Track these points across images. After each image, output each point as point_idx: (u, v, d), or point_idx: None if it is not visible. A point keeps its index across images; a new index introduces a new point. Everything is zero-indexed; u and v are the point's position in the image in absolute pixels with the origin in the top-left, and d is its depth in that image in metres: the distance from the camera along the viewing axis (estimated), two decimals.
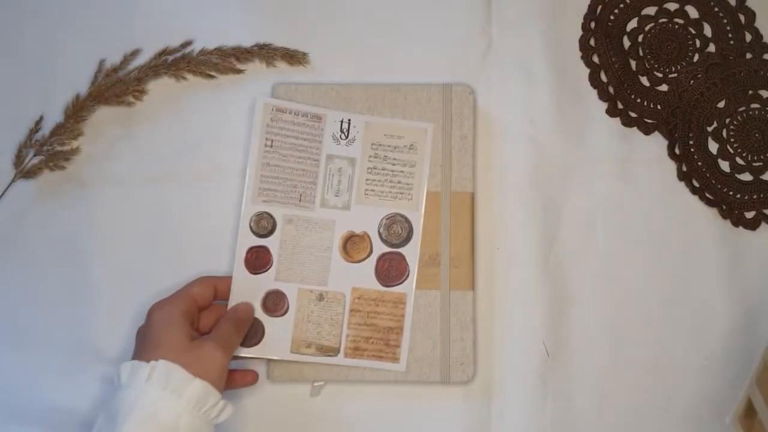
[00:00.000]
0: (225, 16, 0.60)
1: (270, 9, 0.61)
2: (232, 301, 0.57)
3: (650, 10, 0.60)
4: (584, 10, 0.60)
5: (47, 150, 0.58)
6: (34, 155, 0.58)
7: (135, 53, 0.59)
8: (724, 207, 0.58)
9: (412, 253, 0.57)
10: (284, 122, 0.58)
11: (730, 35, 0.59)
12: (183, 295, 0.54)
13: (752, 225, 0.58)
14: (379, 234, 0.57)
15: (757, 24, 0.60)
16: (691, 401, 0.56)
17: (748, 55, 0.59)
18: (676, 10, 0.60)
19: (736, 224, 0.58)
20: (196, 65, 0.59)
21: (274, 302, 0.57)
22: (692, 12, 0.60)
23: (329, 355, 0.57)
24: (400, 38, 0.60)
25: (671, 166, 0.58)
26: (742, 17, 0.60)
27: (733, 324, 0.57)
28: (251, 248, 0.57)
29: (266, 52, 0.59)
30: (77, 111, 0.58)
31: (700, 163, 0.58)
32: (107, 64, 0.58)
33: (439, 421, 0.56)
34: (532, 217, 0.58)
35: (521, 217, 0.58)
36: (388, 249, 0.57)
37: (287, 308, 0.57)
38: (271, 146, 0.57)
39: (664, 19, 0.60)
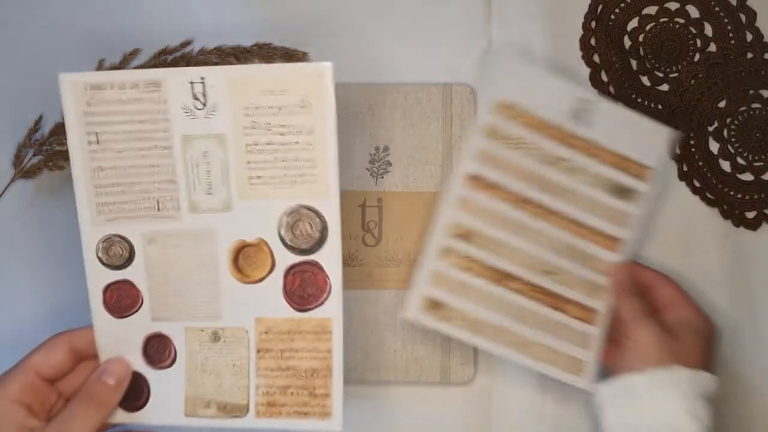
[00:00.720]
0: (224, 16, 0.60)
1: (270, 8, 0.61)
2: (103, 358, 0.45)
3: (651, 10, 0.60)
4: (585, 9, 0.60)
5: (46, 150, 0.58)
6: (34, 155, 0.58)
7: (134, 53, 0.59)
8: (725, 207, 0.58)
9: (331, 257, 0.43)
10: (108, 103, 0.43)
11: (730, 35, 0.59)
12: (19, 371, 0.43)
13: (753, 225, 0.58)
14: (281, 238, 0.44)
15: (758, 23, 0.59)
16: None
17: (749, 55, 0.59)
18: (676, 10, 0.60)
19: (737, 224, 0.58)
20: (196, 65, 0.59)
21: (157, 350, 0.45)
22: (693, 11, 0.60)
23: (235, 416, 0.44)
24: (400, 38, 0.60)
25: (672, 166, 0.58)
26: (742, 17, 0.60)
27: (733, 324, 0.57)
28: (108, 285, 0.45)
29: (266, 52, 0.59)
30: None
31: (700, 163, 0.58)
32: (107, 63, 0.58)
33: (439, 421, 0.56)
34: None
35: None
36: (296, 258, 0.44)
37: (174, 356, 0.45)
38: (98, 142, 0.43)
39: (664, 19, 0.60)
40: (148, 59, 0.59)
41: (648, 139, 0.55)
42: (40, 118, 0.59)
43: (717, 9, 0.60)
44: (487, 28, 0.60)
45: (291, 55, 0.59)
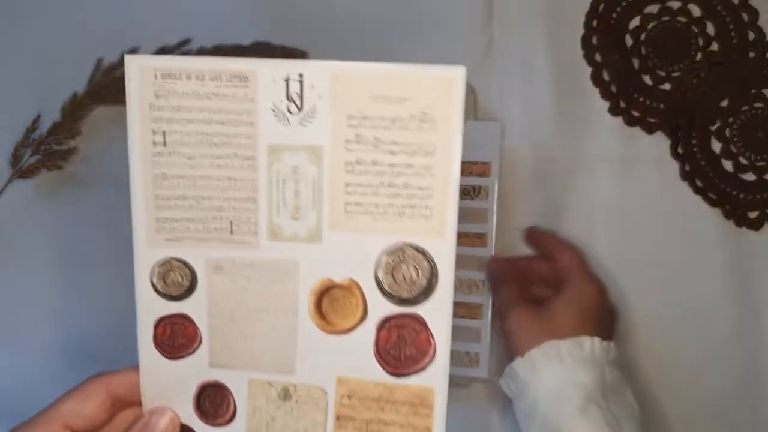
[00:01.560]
0: (223, 15, 0.60)
1: (269, 7, 0.60)
2: (147, 405, 0.38)
3: (653, 8, 0.60)
4: (586, 8, 0.60)
5: (44, 149, 0.57)
6: (32, 155, 0.58)
7: (132, 51, 0.59)
8: (728, 207, 0.57)
9: (438, 313, 0.35)
10: (181, 96, 0.35)
11: (732, 34, 0.59)
12: (45, 422, 0.37)
13: (756, 225, 0.57)
14: (378, 282, 0.36)
15: (760, 22, 0.59)
16: (692, 402, 0.56)
17: (751, 54, 0.59)
18: (678, 9, 0.59)
19: (739, 224, 0.57)
20: None
21: (213, 402, 0.37)
22: (695, 10, 0.59)
23: None
24: (400, 37, 0.60)
25: (674, 166, 0.58)
26: (745, 15, 0.59)
27: (736, 324, 0.56)
28: (161, 319, 0.37)
29: (265, 51, 0.59)
30: (75, 110, 0.58)
31: (703, 163, 0.58)
32: (105, 62, 0.58)
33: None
34: (533, 216, 0.58)
35: (522, 217, 0.58)
36: (395, 309, 0.36)
37: (233, 412, 0.37)
38: (164, 143, 0.36)
39: (666, 18, 0.59)
40: None
41: (481, 138, 0.56)
42: (38, 117, 0.58)
43: (719, 8, 0.59)
44: (489, 27, 0.60)
45: (290, 54, 0.59)
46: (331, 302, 0.36)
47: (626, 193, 0.58)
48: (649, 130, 0.59)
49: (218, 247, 0.36)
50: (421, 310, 0.35)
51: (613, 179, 0.58)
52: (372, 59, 0.59)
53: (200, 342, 0.37)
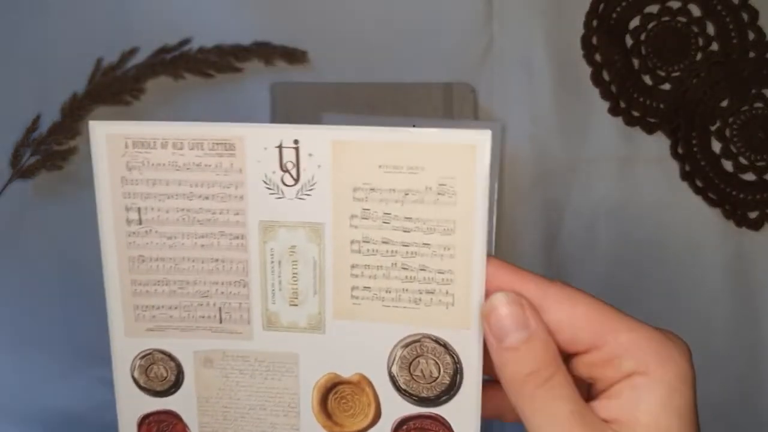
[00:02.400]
0: (223, 14, 0.60)
1: (269, 7, 0.60)
2: None
3: (653, 8, 0.60)
4: (586, 8, 0.60)
5: (44, 149, 0.57)
6: (31, 155, 0.58)
7: (132, 52, 0.59)
8: (728, 207, 0.57)
9: (465, 415, 0.31)
10: (157, 168, 0.31)
11: (733, 34, 0.59)
12: None
13: (756, 225, 0.57)
14: (392, 378, 0.31)
15: (760, 23, 0.59)
16: None
17: (751, 54, 0.59)
18: (678, 9, 0.59)
19: (739, 224, 0.57)
20: (195, 64, 0.58)
21: None
22: (695, 10, 0.59)
23: None
24: (401, 36, 0.60)
25: (674, 166, 0.58)
26: (745, 16, 0.59)
27: (736, 324, 0.56)
28: (146, 417, 0.34)
29: (265, 51, 0.59)
30: (74, 110, 0.58)
31: (703, 163, 0.58)
32: (105, 62, 0.58)
33: None
34: (533, 216, 0.58)
35: (522, 217, 0.58)
36: (413, 409, 0.32)
37: None
38: (140, 221, 0.31)
39: (666, 18, 0.59)
40: (146, 58, 0.59)
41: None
42: (38, 117, 0.58)
43: (719, 8, 0.59)
44: (488, 26, 0.60)
45: (290, 54, 0.59)
46: (338, 400, 0.32)
47: (626, 194, 0.58)
48: (649, 130, 0.59)
49: (206, 337, 0.32)
50: (443, 410, 0.31)
51: (613, 179, 0.58)
52: (372, 58, 0.59)
53: None
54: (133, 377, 0.33)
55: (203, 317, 0.32)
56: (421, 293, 0.30)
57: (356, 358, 0.31)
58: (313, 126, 0.30)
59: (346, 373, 0.32)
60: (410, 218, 0.30)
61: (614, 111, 0.59)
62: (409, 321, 0.31)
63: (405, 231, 0.30)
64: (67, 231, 0.58)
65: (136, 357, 0.33)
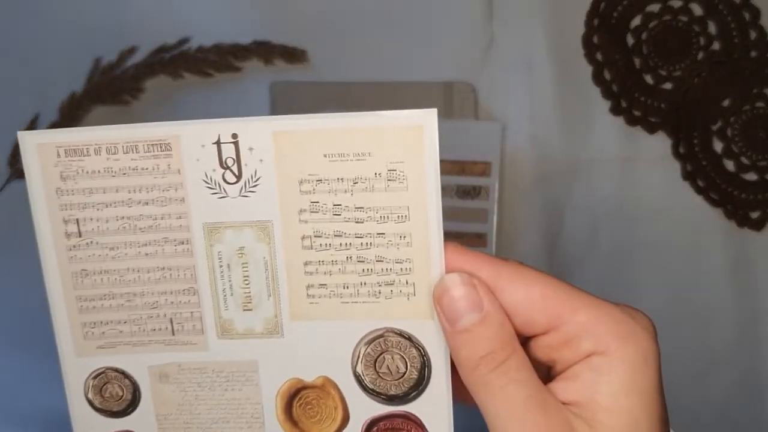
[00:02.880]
0: (222, 13, 0.60)
1: (268, 6, 0.60)
2: None
3: (654, 7, 0.59)
4: (587, 7, 0.59)
5: None
6: None
7: (131, 51, 0.58)
8: (729, 207, 0.57)
9: (436, 409, 0.30)
10: (92, 175, 0.29)
11: (734, 33, 0.59)
12: None
13: (757, 225, 0.57)
14: (358, 378, 0.30)
15: (762, 22, 0.59)
16: (694, 403, 0.56)
17: (753, 53, 0.59)
18: (680, 8, 0.59)
19: (741, 224, 0.57)
20: (194, 63, 0.58)
21: None
22: (696, 9, 0.59)
23: None
24: (401, 36, 0.60)
25: (675, 166, 0.58)
26: (746, 15, 0.59)
27: (737, 325, 0.56)
28: None
29: (264, 50, 0.59)
30: (73, 110, 0.58)
31: (704, 163, 0.58)
32: (103, 62, 0.57)
33: None
34: (534, 217, 0.58)
35: (523, 217, 0.57)
36: (382, 408, 0.30)
37: None
38: (79, 234, 0.30)
39: (668, 17, 0.59)
40: (144, 57, 0.58)
41: (481, 138, 0.57)
42: (36, 117, 0.58)
43: (720, 7, 0.59)
44: (489, 26, 0.59)
45: (290, 53, 0.59)
46: (303, 406, 0.30)
47: (627, 193, 0.57)
48: (651, 129, 0.58)
49: (160, 351, 0.30)
50: (414, 407, 0.30)
51: (614, 179, 0.58)
52: (372, 57, 0.59)
53: None
54: (87, 399, 0.31)
55: (154, 330, 0.31)
56: (380, 285, 0.29)
57: (318, 361, 0.30)
58: (252, 118, 0.28)
59: (309, 377, 0.30)
60: (361, 208, 0.28)
61: (615, 110, 0.59)
62: (370, 316, 0.29)
63: (357, 222, 0.29)
64: None
65: (88, 377, 0.31)
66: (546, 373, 0.29)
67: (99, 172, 0.29)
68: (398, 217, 0.29)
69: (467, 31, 0.59)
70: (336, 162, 0.28)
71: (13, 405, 0.57)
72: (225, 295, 0.30)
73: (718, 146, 0.58)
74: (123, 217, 0.29)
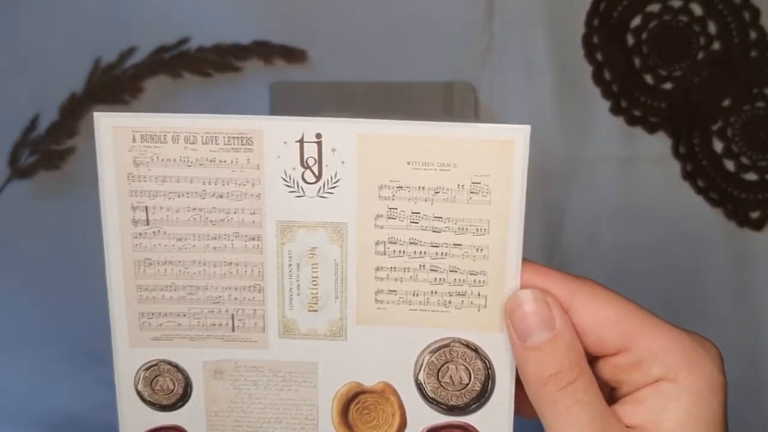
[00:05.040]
0: (222, 13, 0.60)
1: (268, 6, 0.60)
2: None
3: (654, 7, 0.59)
4: (587, 7, 0.59)
5: (43, 149, 0.57)
6: (30, 155, 0.58)
7: (131, 51, 0.58)
8: (729, 207, 0.57)
9: (497, 423, 0.30)
10: (167, 163, 0.28)
11: (734, 33, 0.59)
12: None
13: (757, 225, 0.57)
14: (419, 386, 0.30)
15: (762, 22, 0.59)
16: None
17: (753, 53, 0.59)
18: (680, 8, 0.59)
19: (741, 224, 0.57)
20: (193, 63, 0.58)
21: None
22: (696, 9, 0.59)
23: None
24: (401, 35, 0.60)
25: (675, 166, 0.58)
26: (746, 15, 0.59)
27: (738, 324, 0.56)
28: None
29: (264, 50, 0.58)
30: (73, 110, 0.58)
31: (704, 163, 0.58)
32: (103, 62, 0.57)
33: None
34: (533, 217, 0.57)
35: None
36: (441, 418, 0.30)
37: None
38: (147, 222, 0.29)
39: (668, 17, 0.59)
40: (144, 57, 0.58)
41: None
42: (36, 117, 0.58)
43: (720, 7, 0.59)
44: (489, 25, 0.59)
45: (290, 53, 0.59)
46: (360, 411, 0.30)
47: (627, 193, 0.57)
48: (651, 129, 0.58)
49: (217, 346, 0.30)
50: (473, 419, 0.29)
51: (614, 179, 0.58)
52: (372, 57, 0.59)
53: None
54: (136, 390, 0.31)
55: (214, 325, 0.30)
56: (451, 295, 0.29)
57: (380, 366, 0.30)
58: (338, 119, 0.28)
59: (369, 382, 0.30)
60: (440, 218, 0.28)
61: (615, 110, 0.59)
62: (437, 325, 0.29)
63: (434, 231, 0.28)
64: (65, 230, 0.58)
65: (140, 368, 0.31)
66: (609, 393, 0.29)
67: (174, 160, 0.28)
68: (477, 229, 0.29)
69: (467, 31, 0.59)
70: (419, 170, 0.28)
71: (13, 405, 0.57)
72: (291, 295, 0.29)
73: (718, 146, 0.58)
74: (194, 209, 0.29)
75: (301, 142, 0.28)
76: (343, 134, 0.28)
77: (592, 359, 0.29)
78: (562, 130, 0.58)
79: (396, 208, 0.28)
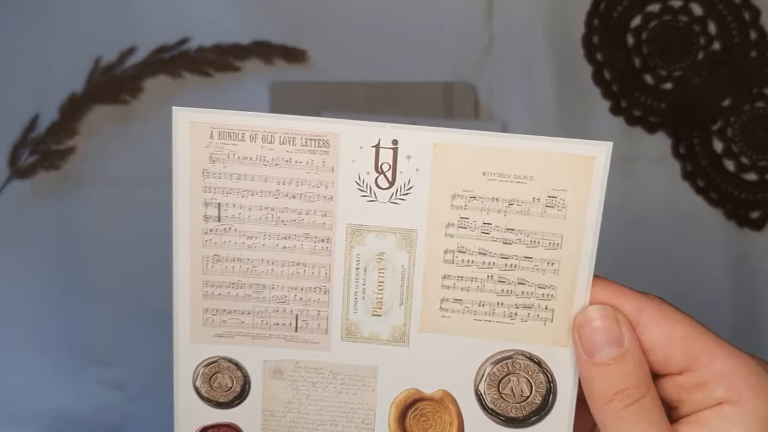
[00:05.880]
0: (222, 13, 0.60)
1: (268, 6, 0.60)
2: None
3: (654, 7, 0.59)
4: (587, 7, 0.59)
5: (43, 149, 0.57)
6: (30, 155, 0.58)
7: (131, 51, 0.58)
8: (729, 207, 0.57)
9: None
10: (243, 161, 0.29)
11: (734, 33, 0.59)
12: None
13: (757, 225, 0.57)
14: (479, 396, 0.30)
15: (762, 22, 0.59)
16: None
17: (753, 53, 0.59)
18: (680, 8, 0.59)
19: (741, 224, 0.57)
20: (193, 63, 0.58)
21: None
22: (696, 9, 0.59)
23: None
24: (401, 36, 0.60)
25: (675, 166, 0.58)
26: (746, 15, 0.59)
27: (737, 324, 0.56)
28: (204, 429, 0.31)
29: (264, 50, 0.58)
30: (73, 109, 0.58)
31: (704, 163, 0.58)
32: (103, 62, 0.57)
33: None
34: None
35: None
36: (499, 429, 0.30)
37: None
38: (219, 218, 0.29)
39: (668, 17, 0.59)
40: (144, 57, 0.58)
41: None
42: (36, 117, 0.58)
43: (720, 7, 0.59)
44: (489, 26, 0.59)
45: (290, 53, 0.59)
46: (417, 418, 0.30)
47: (627, 193, 0.57)
48: (651, 129, 0.58)
49: (279, 346, 0.30)
50: (533, 430, 0.29)
51: (614, 179, 0.57)
52: (372, 57, 0.59)
53: None
54: (194, 386, 0.31)
55: (277, 324, 0.30)
56: (517, 308, 0.29)
57: (440, 374, 0.30)
58: (415, 126, 0.28)
59: (429, 390, 0.30)
60: (512, 230, 0.28)
61: (615, 110, 0.59)
62: (501, 336, 0.29)
63: (505, 243, 0.28)
64: (65, 230, 0.58)
65: (200, 364, 0.31)
66: (667, 412, 0.29)
67: (251, 159, 0.29)
68: (549, 243, 0.29)
69: (467, 32, 0.59)
70: (494, 181, 0.28)
71: (13, 405, 0.57)
72: (356, 298, 0.30)
73: (718, 146, 0.58)
74: (267, 208, 0.29)
75: (377, 147, 0.28)
76: (419, 142, 0.28)
77: (654, 377, 0.29)
78: (561, 130, 0.58)
79: (468, 218, 0.28)
